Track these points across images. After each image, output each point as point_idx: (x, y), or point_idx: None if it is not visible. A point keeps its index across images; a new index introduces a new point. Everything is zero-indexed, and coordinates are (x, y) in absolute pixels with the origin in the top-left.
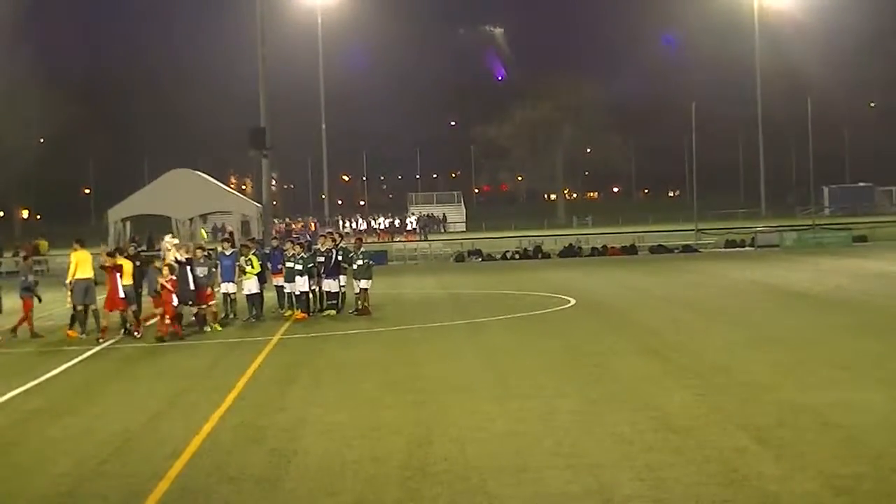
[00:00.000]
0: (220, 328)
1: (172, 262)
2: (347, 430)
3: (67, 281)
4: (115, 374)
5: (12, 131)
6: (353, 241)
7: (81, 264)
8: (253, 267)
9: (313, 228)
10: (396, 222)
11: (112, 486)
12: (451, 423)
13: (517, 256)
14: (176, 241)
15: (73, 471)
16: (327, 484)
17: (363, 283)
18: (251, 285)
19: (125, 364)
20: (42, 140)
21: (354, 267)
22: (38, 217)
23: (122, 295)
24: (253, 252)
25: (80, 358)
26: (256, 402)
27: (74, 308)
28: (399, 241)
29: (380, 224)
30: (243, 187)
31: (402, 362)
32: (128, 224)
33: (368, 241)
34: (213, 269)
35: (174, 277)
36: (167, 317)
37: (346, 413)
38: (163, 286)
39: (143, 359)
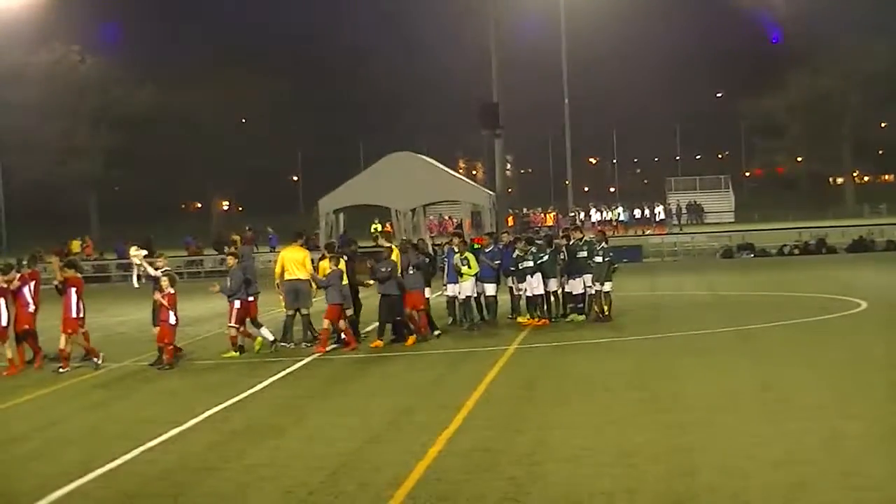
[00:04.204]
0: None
1: (172, 274)
2: (596, 456)
3: (277, 282)
4: (324, 390)
5: (211, 113)
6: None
7: (289, 263)
8: (470, 267)
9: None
10: (640, 213)
11: None
12: (718, 448)
13: (796, 251)
14: (144, 252)
15: (279, 502)
16: None
17: (606, 286)
18: (466, 288)
19: (335, 379)
20: (244, 120)
21: (592, 265)
22: (240, 209)
23: (74, 315)
24: (471, 248)
25: (284, 371)
26: (489, 422)
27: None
28: (652, 235)
29: (617, 215)
30: (473, 173)
31: (658, 376)
32: (341, 216)
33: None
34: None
35: (172, 291)
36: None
37: (593, 436)
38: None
39: (356, 373)
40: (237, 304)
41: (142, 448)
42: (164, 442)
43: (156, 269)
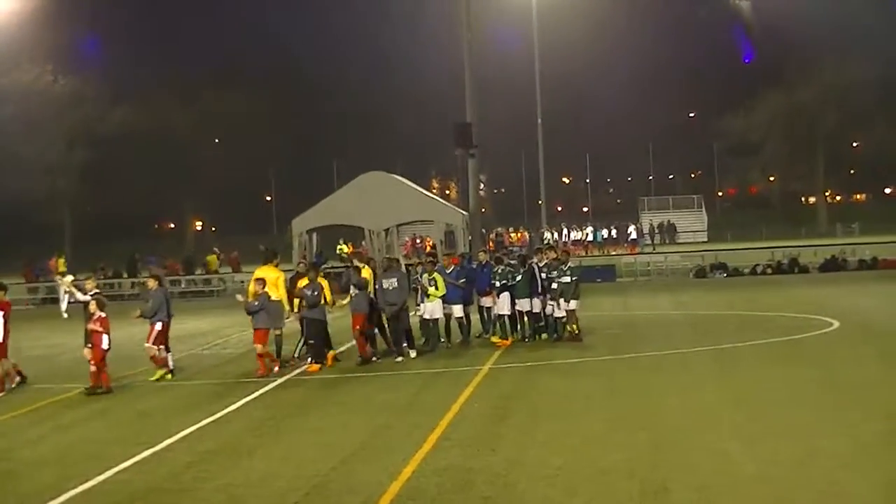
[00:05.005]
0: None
1: (101, 297)
2: (570, 475)
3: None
4: (298, 410)
5: (185, 132)
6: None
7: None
8: (437, 288)
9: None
10: (607, 232)
11: None
12: (692, 466)
13: (769, 271)
14: (70, 277)
15: None
16: None
17: (572, 305)
18: (434, 309)
19: (309, 399)
20: (217, 140)
21: (554, 286)
22: (213, 229)
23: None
24: (436, 269)
25: (258, 392)
26: (464, 441)
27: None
28: (625, 254)
29: (586, 235)
30: (447, 192)
31: (632, 395)
32: (314, 236)
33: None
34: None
35: (103, 315)
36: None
37: (567, 454)
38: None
39: (329, 394)
40: (158, 325)
41: (115, 469)
42: (139, 462)
43: (84, 292)
